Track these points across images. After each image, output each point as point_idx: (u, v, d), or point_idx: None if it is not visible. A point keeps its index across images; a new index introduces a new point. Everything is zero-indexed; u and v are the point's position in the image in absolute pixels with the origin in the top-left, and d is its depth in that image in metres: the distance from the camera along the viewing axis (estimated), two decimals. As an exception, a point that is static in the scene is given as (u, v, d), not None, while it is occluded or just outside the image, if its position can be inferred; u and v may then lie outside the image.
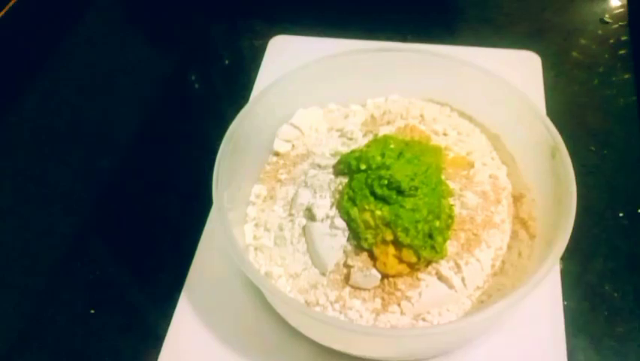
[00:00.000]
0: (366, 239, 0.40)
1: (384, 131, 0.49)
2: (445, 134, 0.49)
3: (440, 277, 0.40)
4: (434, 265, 0.40)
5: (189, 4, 0.73)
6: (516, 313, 0.41)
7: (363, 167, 0.42)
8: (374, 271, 0.40)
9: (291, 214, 0.44)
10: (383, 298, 0.40)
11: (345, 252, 0.41)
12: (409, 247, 0.39)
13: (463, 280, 0.40)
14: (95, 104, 0.62)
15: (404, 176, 0.40)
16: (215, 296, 0.44)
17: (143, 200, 0.53)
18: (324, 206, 0.42)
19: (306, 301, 0.40)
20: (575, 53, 0.63)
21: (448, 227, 0.41)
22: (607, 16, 0.67)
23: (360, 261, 0.40)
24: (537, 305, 0.42)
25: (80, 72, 0.66)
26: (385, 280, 0.40)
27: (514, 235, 0.43)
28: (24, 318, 0.46)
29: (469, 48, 0.61)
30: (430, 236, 0.40)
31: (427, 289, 0.40)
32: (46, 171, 0.56)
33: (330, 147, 0.48)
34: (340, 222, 0.41)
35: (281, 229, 0.43)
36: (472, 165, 0.47)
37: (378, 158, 0.42)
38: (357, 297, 0.40)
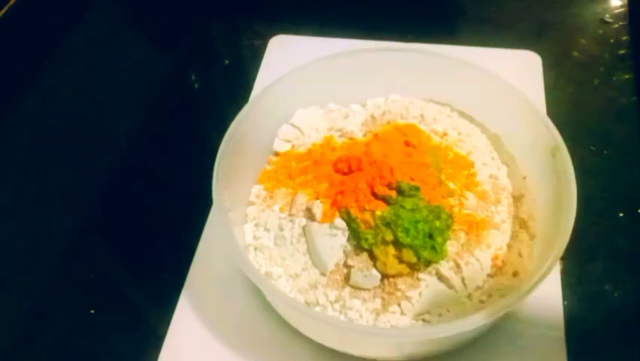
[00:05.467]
0: (366, 239, 0.40)
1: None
2: (445, 134, 0.49)
3: (440, 277, 0.40)
4: (434, 265, 0.40)
5: (189, 4, 0.73)
6: (516, 313, 0.41)
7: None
8: (374, 271, 0.40)
9: (291, 214, 0.44)
10: (383, 298, 0.40)
11: (345, 252, 0.41)
12: (409, 247, 0.39)
13: (463, 280, 0.40)
14: (95, 104, 0.62)
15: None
16: (215, 296, 0.44)
17: (143, 200, 0.53)
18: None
19: (306, 301, 0.40)
20: (575, 53, 0.63)
21: (448, 227, 0.41)
22: (607, 16, 0.67)
23: (360, 261, 0.40)
24: (537, 305, 0.42)
25: (80, 72, 0.66)
26: (385, 280, 0.40)
27: (514, 235, 0.43)
28: (24, 318, 0.46)
29: (469, 48, 0.61)
30: (430, 236, 0.40)
31: (427, 289, 0.40)
32: (46, 171, 0.56)
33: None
34: (340, 223, 0.41)
35: (281, 229, 0.43)
36: (472, 165, 0.47)
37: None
38: (357, 297, 0.40)
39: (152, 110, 0.61)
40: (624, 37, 0.64)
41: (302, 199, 0.44)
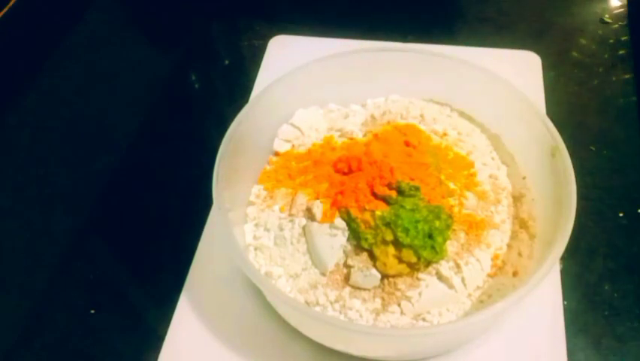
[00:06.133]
0: (366, 239, 0.40)
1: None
2: (445, 134, 0.49)
3: (440, 277, 0.40)
4: (434, 265, 0.40)
5: (189, 4, 0.73)
6: (516, 313, 0.41)
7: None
8: (374, 271, 0.40)
9: (291, 214, 0.44)
10: (383, 298, 0.40)
11: (345, 252, 0.41)
12: (409, 247, 0.39)
13: (463, 280, 0.40)
14: (95, 104, 0.62)
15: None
16: (215, 296, 0.44)
17: (143, 200, 0.53)
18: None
19: (306, 301, 0.40)
20: (575, 53, 0.63)
21: (448, 227, 0.41)
22: (607, 16, 0.67)
23: (360, 261, 0.40)
24: (537, 305, 0.42)
25: (80, 72, 0.66)
26: (385, 280, 0.40)
27: (514, 235, 0.43)
28: (24, 318, 0.46)
29: (469, 48, 0.61)
30: (430, 236, 0.40)
31: (427, 289, 0.40)
32: (46, 171, 0.56)
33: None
34: (340, 223, 0.41)
35: (281, 229, 0.43)
36: (472, 165, 0.47)
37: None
38: (357, 297, 0.40)
39: (152, 110, 0.61)
40: (624, 38, 0.64)
41: (302, 199, 0.44)
